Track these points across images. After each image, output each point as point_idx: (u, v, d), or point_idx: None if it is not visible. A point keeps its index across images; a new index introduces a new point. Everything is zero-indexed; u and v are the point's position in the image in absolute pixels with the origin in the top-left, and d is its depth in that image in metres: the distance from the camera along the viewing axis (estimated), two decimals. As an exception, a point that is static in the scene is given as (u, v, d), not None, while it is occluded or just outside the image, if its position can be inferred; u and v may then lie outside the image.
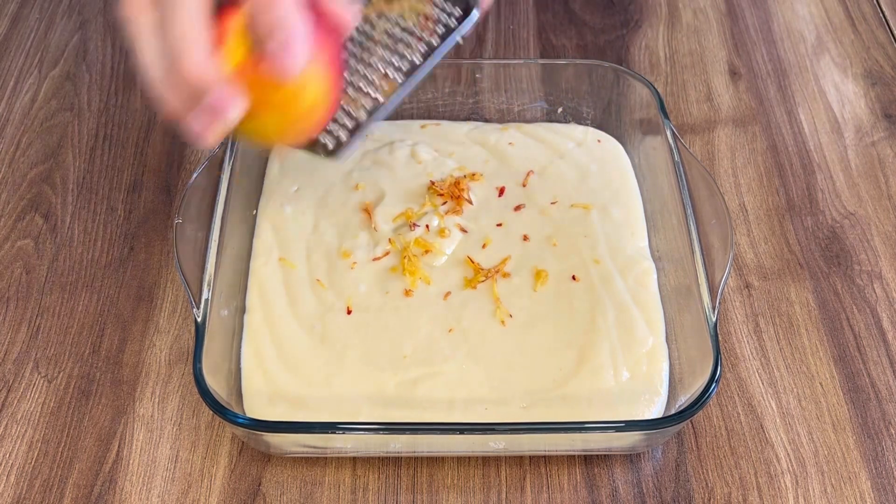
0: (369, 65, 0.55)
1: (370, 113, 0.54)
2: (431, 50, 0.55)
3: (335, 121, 0.55)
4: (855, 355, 0.64)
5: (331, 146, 0.54)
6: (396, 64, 0.55)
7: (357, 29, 0.56)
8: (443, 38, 0.55)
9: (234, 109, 0.44)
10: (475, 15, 0.55)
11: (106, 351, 0.63)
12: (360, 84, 0.55)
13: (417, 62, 0.55)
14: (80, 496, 0.57)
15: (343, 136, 0.54)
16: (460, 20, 0.55)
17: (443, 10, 0.56)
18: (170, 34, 0.42)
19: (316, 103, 0.48)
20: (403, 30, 0.56)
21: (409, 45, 0.55)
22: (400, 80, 0.55)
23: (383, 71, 0.55)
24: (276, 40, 0.43)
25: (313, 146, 0.54)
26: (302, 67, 0.44)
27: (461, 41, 0.56)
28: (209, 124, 0.44)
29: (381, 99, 0.55)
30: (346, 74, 0.55)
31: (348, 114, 0.55)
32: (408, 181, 0.69)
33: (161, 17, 0.42)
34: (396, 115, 0.74)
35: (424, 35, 0.55)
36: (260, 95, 0.45)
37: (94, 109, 0.78)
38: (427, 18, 0.56)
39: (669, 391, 0.59)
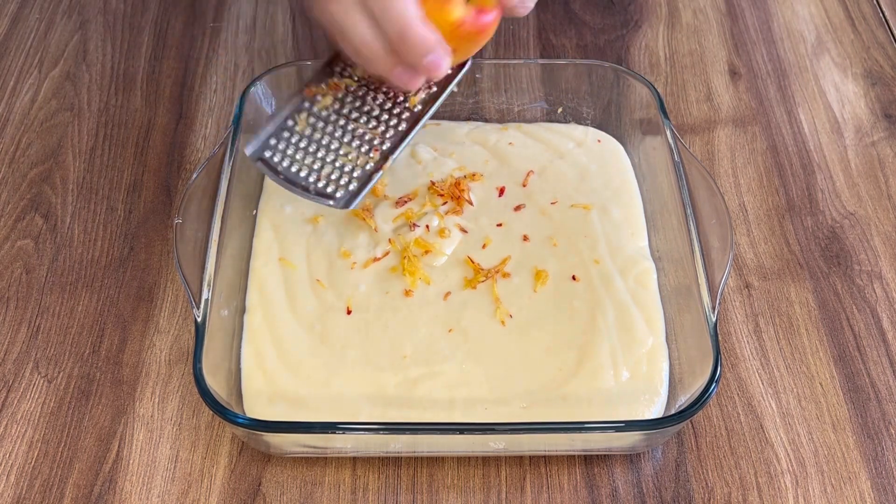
0: (375, 117, 0.61)
1: (377, 162, 0.60)
2: (431, 99, 0.61)
3: (343, 170, 0.60)
4: (855, 355, 0.64)
5: (339, 196, 0.59)
6: (399, 113, 0.61)
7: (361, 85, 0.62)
8: (440, 86, 0.61)
9: (446, 65, 0.55)
10: (469, 64, 0.61)
11: (106, 351, 0.63)
12: (367, 136, 0.60)
13: (417, 110, 0.60)
14: (80, 496, 0.57)
15: (352, 185, 0.59)
16: (455, 69, 0.61)
17: None
18: (389, 16, 0.52)
19: (486, 41, 0.58)
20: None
21: (408, 95, 0.61)
22: (403, 129, 0.60)
23: (385, 121, 0.61)
24: None
25: (325, 197, 0.60)
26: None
27: (456, 89, 0.62)
28: (418, 77, 0.56)
29: (385, 148, 0.60)
30: (352, 127, 0.61)
31: (356, 164, 0.60)
32: (408, 181, 0.69)
33: (378, 10, 0.52)
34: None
35: (423, 85, 0.61)
36: (461, 41, 0.56)
37: (94, 109, 0.78)
38: None
39: (669, 391, 0.59)
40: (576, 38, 0.85)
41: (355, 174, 0.60)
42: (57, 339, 0.64)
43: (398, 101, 0.61)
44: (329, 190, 0.60)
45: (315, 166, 0.60)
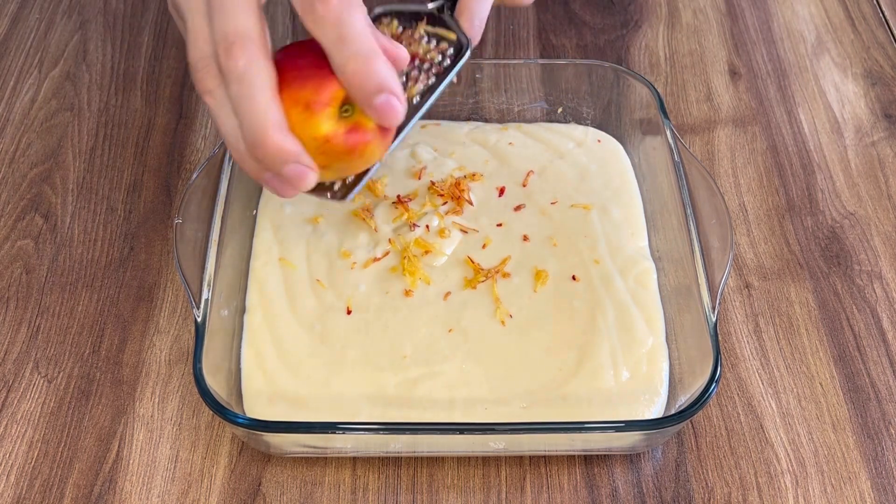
0: None
1: None
2: (428, 91, 0.57)
3: None
4: (855, 355, 0.64)
5: (337, 188, 0.56)
6: None
7: None
8: (438, 77, 0.57)
9: (310, 179, 0.49)
10: (468, 54, 0.58)
11: (106, 351, 0.63)
12: None
13: (416, 103, 0.57)
14: (80, 496, 0.57)
15: (350, 178, 0.57)
16: (453, 59, 0.57)
17: (436, 49, 0.57)
18: (246, 119, 0.46)
19: (380, 149, 0.52)
20: (399, 74, 0.58)
21: (405, 88, 0.57)
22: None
23: None
24: (382, 96, 0.47)
25: (322, 190, 0.57)
26: (405, 111, 0.49)
27: (455, 80, 0.58)
28: (287, 188, 0.50)
29: None
30: None
31: None
32: (408, 181, 0.69)
33: (235, 98, 0.46)
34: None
35: (421, 77, 0.57)
36: (332, 157, 0.50)
37: (94, 109, 0.78)
38: (422, 60, 0.58)
39: (669, 391, 0.59)
40: (576, 38, 0.85)
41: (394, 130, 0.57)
42: (57, 339, 0.64)
43: None
44: (326, 183, 0.59)
45: None
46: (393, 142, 0.57)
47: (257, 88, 0.46)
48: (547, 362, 0.59)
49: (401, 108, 0.48)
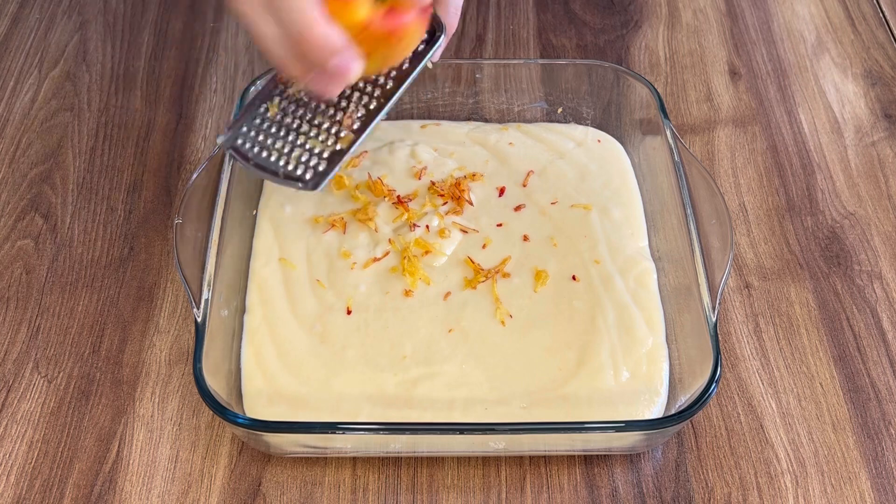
0: (346, 97, 0.57)
1: (347, 143, 0.57)
2: (401, 76, 0.58)
3: (312, 153, 0.58)
4: (855, 355, 0.64)
5: (308, 178, 0.57)
6: (369, 90, 0.58)
7: None
8: (412, 62, 0.58)
9: (356, 69, 0.50)
10: (442, 40, 0.57)
11: (106, 351, 0.63)
12: (337, 115, 0.58)
13: (389, 87, 0.58)
14: (80, 496, 0.57)
15: (321, 166, 0.57)
16: (427, 44, 0.57)
17: None
18: (288, 16, 0.47)
19: (418, 33, 0.53)
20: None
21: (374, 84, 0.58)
22: (374, 106, 0.58)
23: (357, 99, 0.58)
24: None
25: (294, 179, 0.57)
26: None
27: (430, 65, 0.58)
28: (334, 82, 0.50)
29: (355, 127, 0.57)
30: (322, 109, 0.58)
31: (326, 146, 0.57)
32: (408, 181, 0.69)
33: (278, 10, 0.47)
34: (396, 115, 0.74)
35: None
36: (373, 44, 0.51)
37: (94, 109, 0.78)
38: None
39: (669, 391, 0.59)
40: (576, 38, 0.85)
41: (325, 155, 0.58)
42: (57, 339, 0.64)
43: (370, 79, 0.59)
44: (298, 173, 0.58)
45: (285, 150, 0.59)
46: (369, 126, 0.57)
47: None
48: (547, 362, 0.59)
49: None
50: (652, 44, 0.85)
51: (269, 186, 0.68)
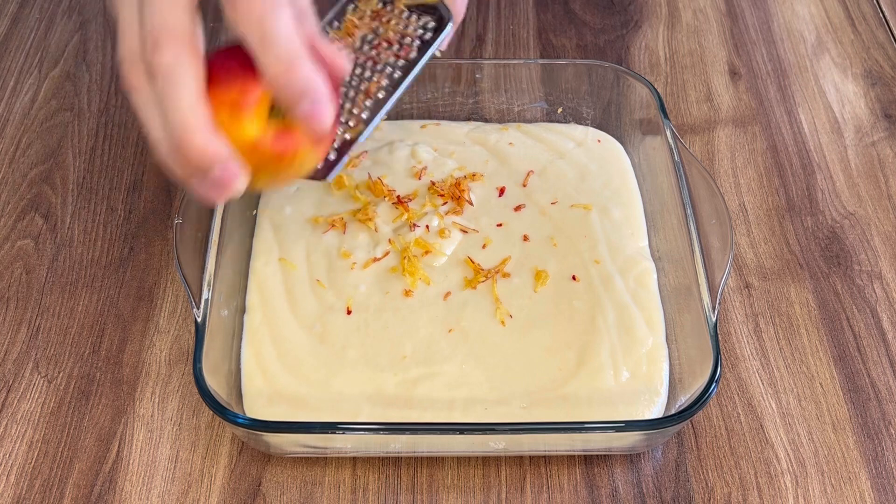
0: (350, 85, 0.57)
1: (355, 133, 0.56)
2: (410, 64, 0.57)
3: None
4: (855, 355, 0.64)
5: (318, 168, 0.55)
6: (377, 80, 0.57)
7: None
8: (420, 51, 0.57)
9: (239, 182, 0.46)
10: (450, 28, 0.57)
11: (106, 351, 0.63)
12: (345, 105, 0.57)
13: (397, 77, 0.57)
14: (80, 496, 0.57)
15: (331, 156, 0.56)
16: (435, 32, 0.57)
17: (417, 24, 0.57)
18: (171, 116, 0.44)
19: (313, 157, 0.50)
20: (379, 47, 0.57)
21: (386, 62, 0.57)
22: (381, 96, 0.56)
23: (364, 90, 0.57)
24: (307, 102, 0.45)
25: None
26: (331, 120, 0.46)
27: (439, 53, 0.58)
28: (215, 193, 0.46)
29: (364, 117, 0.56)
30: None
31: (334, 136, 0.56)
32: (408, 181, 0.69)
33: (160, 95, 0.44)
34: (396, 115, 0.74)
35: (402, 52, 0.57)
36: (261, 162, 0.47)
37: (94, 109, 0.78)
38: (403, 35, 0.57)
39: (669, 391, 0.59)
40: (576, 38, 0.85)
41: (333, 145, 0.56)
42: (57, 339, 0.64)
43: (376, 69, 0.59)
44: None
45: None
46: (377, 115, 0.56)
47: (183, 86, 0.43)
48: (547, 362, 0.59)
49: (327, 115, 0.45)
50: (652, 44, 0.85)
51: (269, 186, 0.68)
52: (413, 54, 0.57)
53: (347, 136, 0.56)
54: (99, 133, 0.76)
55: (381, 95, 0.57)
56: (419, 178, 0.69)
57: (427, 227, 0.65)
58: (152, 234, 0.70)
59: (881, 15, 0.87)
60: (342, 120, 0.56)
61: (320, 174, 0.55)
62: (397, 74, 0.57)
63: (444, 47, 0.57)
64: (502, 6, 0.88)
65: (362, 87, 0.57)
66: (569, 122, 0.74)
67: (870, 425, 0.60)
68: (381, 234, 0.65)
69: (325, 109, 0.45)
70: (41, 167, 0.74)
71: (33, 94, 0.79)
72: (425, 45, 0.57)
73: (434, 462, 0.58)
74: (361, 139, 0.56)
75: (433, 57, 0.57)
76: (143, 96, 0.45)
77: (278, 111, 0.47)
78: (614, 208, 0.67)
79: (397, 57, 0.57)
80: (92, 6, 0.87)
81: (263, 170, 0.47)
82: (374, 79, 0.57)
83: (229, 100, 0.45)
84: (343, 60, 0.48)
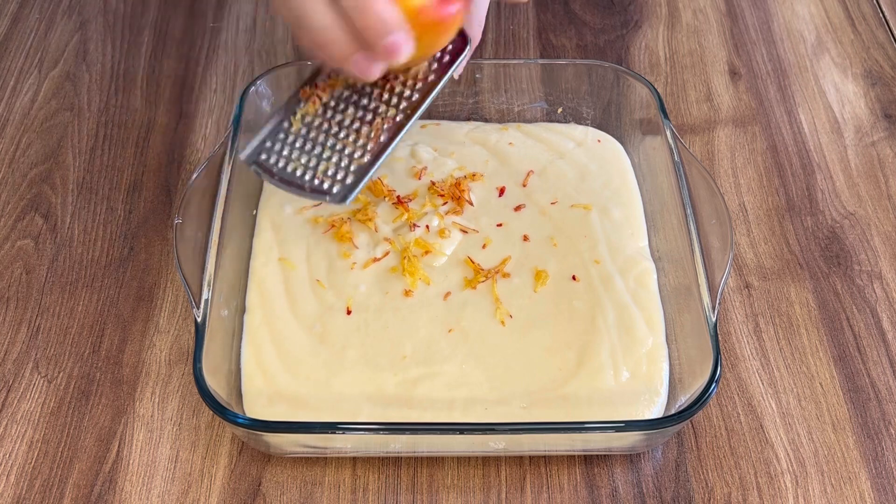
0: (372, 110, 0.58)
1: (374, 155, 0.57)
2: (427, 88, 0.58)
3: (340, 167, 0.58)
4: (855, 355, 0.64)
5: (336, 191, 0.56)
6: (395, 103, 0.58)
7: None
8: (437, 74, 0.58)
9: (407, 50, 0.50)
10: (469, 51, 0.58)
11: (106, 351, 0.63)
12: (363, 128, 0.58)
13: (415, 100, 0.57)
14: (80, 496, 0.57)
15: (349, 179, 0.57)
16: (453, 55, 0.58)
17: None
18: None
19: (452, 36, 0.55)
20: (399, 72, 0.58)
21: (404, 85, 0.58)
22: (400, 119, 0.57)
23: (382, 112, 0.58)
24: None
25: (321, 193, 0.57)
26: None
27: (456, 77, 0.58)
28: (378, 63, 0.51)
29: (382, 140, 0.57)
30: (348, 119, 0.58)
31: (353, 159, 0.57)
32: (408, 181, 0.69)
33: None
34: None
35: (420, 73, 0.58)
36: (418, 33, 0.51)
37: (94, 109, 0.78)
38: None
39: (669, 391, 0.59)
40: (576, 38, 0.85)
41: (352, 168, 0.57)
42: (57, 339, 0.64)
43: (395, 92, 0.59)
44: (325, 186, 0.58)
45: (311, 164, 0.59)
46: (395, 138, 0.57)
47: None
48: (547, 362, 0.59)
49: None
50: (652, 44, 0.85)
51: (269, 186, 0.68)
52: (431, 77, 0.58)
53: (366, 159, 0.57)
54: (99, 133, 0.76)
55: (398, 118, 0.58)
56: (419, 178, 0.69)
57: (427, 227, 0.65)
58: (152, 234, 0.70)
59: (881, 15, 0.87)
60: (359, 144, 0.58)
61: (338, 198, 0.57)
62: (415, 97, 0.58)
63: (459, 71, 0.59)
64: (502, 6, 0.88)
65: (380, 111, 0.58)
66: (569, 122, 0.74)
67: (870, 425, 0.60)
68: (381, 234, 0.65)
69: None
70: (41, 167, 0.74)
71: (33, 94, 0.79)
72: (442, 69, 0.58)
73: (434, 462, 0.58)
74: (380, 162, 0.57)
75: (450, 80, 0.58)
76: None
77: None
78: (614, 208, 0.67)
79: (415, 80, 0.58)
80: (92, 6, 0.87)
81: (421, 39, 0.52)
82: (393, 102, 0.58)
83: None
84: None
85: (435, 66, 0.58)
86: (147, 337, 0.64)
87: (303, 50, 0.52)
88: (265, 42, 0.84)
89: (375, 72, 0.52)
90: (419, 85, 0.58)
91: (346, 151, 0.58)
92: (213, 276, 0.58)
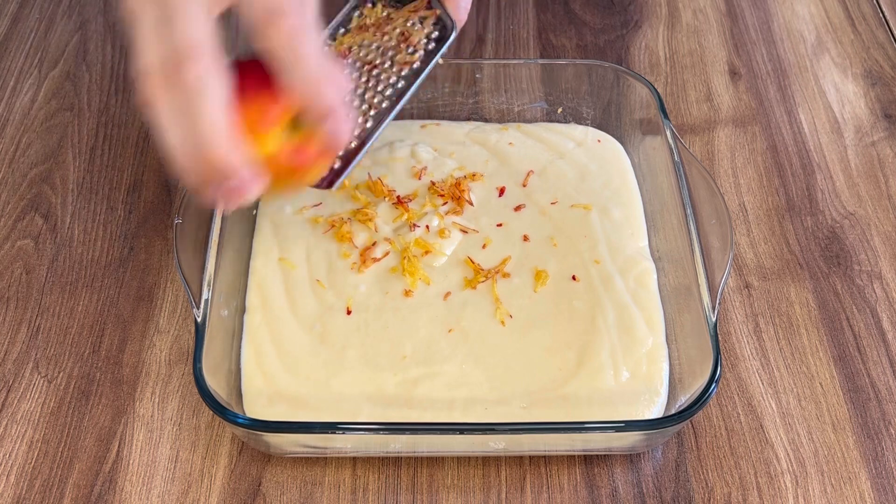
0: (358, 96, 0.57)
1: (360, 141, 0.57)
2: (413, 74, 0.57)
3: None
4: (855, 355, 0.64)
5: (323, 177, 0.56)
6: (381, 90, 0.58)
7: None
8: (423, 61, 0.58)
9: (255, 190, 0.48)
10: (454, 36, 0.58)
11: (106, 351, 0.63)
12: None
13: (400, 86, 0.57)
14: (80, 496, 0.57)
15: (336, 164, 0.56)
16: (438, 41, 0.57)
17: (421, 33, 0.57)
18: (197, 128, 0.45)
19: (323, 168, 0.53)
20: (383, 56, 0.57)
21: (390, 71, 0.58)
22: (385, 105, 0.57)
23: (368, 98, 0.58)
24: (332, 121, 0.48)
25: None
26: (350, 137, 0.49)
27: (441, 61, 0.58)
28: (230, 200, 0.48)
29: (368, 126, 0.57)
30: None
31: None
32: (408, 181, 0.69)
33: (185, 107, 0.44)
34: (396, 116, 0.74)
35: (406, 59, 0.57)
36: (276, 172, 0.49)
37: (94, 109, 0.78)
38: (406, 42, 0.57)
39: (669, 391, 0.59)
40: (576, 38, 0.85)
41: (339, 154, 0.56)
42: (57, 339, 0.64)
43: (380, 78, 0.59)
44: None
45: None
46: (382, 124, 0.57)
47: (210, 99, 0.44)
48: (547, 362, 0.59)
49: (347, 132, 0.49)
50: (652, 44, 0.85)
51: (269, 186, 0.68)
52: (416, 64, 0.57)
53: (352, 146, 0.57)
54: (99, 133, 0.76)
55: (384, 105, 0.57)
56: (419, 178, 0.69)
57: (427, 227, 0.65)
58: (152, 234, 0.70)
59: (881, 15, 0.87)
60: None
61: (325, 183, 0.56)
62: (401, 84, 0.57)
63: (445, 54, 0.58)
64: (502, 6, 0.88)
65: (366, 98, 0.58)
66: (569, 122, 0.74)
67: (870, 425, 0.60)
68: (381, 234, 0.65)
69: (346, 127, 0.48)
70: (41, 167, 0.74)
71: (33, 94, 0.79)
72: (428, 55, 0.57)
73: (434, 462, 0.58)
74: (366, 148, 0.57)
75: (436, 65, 0.58)
76: (164, 108, 0.45)
77: (295, 126, 0.49)
78: (614, 208, 0.67)
79: (400, 66, 0.57)
80: (92, 6, 0.87)
81: (277, 179, 0.49)
82: (379, 88, 0.58)
83: (251, 115, 0.47)
84: (345, 79, 0.50)
85: (421, 53, 0.57)
86: (147, 337, 0.64)
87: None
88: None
89: (228, 209, 0.50)
90: (405, 71, 0.58)
91: None
92: (213, 276, 0.58)
